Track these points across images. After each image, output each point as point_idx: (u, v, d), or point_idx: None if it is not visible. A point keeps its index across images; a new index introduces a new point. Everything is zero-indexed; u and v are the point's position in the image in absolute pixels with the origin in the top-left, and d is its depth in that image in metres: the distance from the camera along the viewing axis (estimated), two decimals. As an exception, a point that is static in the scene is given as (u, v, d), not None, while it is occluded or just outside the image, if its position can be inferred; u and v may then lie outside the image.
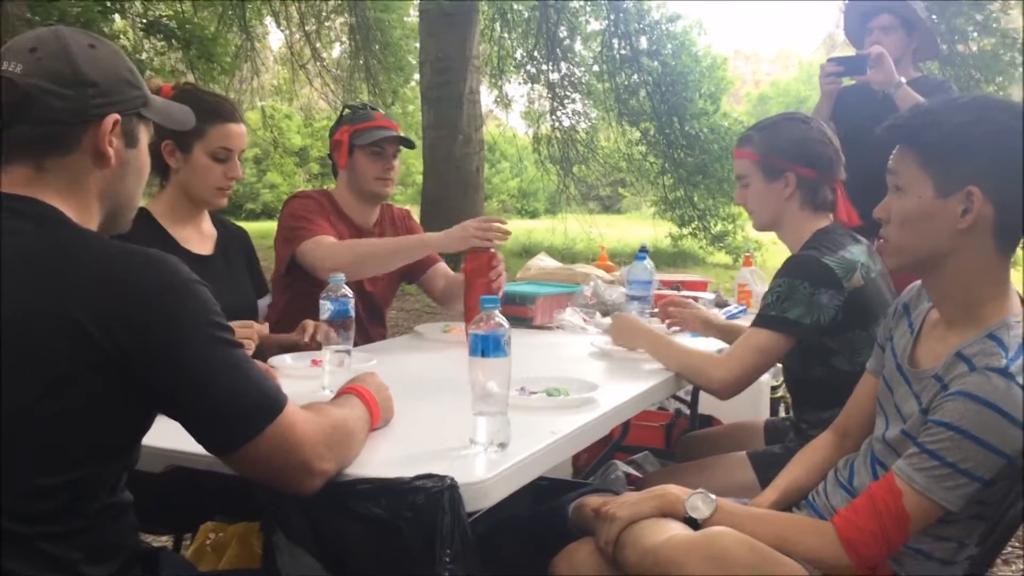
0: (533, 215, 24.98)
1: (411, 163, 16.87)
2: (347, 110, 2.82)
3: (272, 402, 1.22)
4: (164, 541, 2.53)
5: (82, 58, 1.24)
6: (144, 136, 1.35)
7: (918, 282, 1.65)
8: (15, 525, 1.11)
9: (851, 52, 3.43)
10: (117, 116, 1.26)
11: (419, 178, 15.03)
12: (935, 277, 1.52)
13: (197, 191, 2.25)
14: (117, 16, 6.15)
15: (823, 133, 2.16)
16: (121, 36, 7.49)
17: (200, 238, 2.33)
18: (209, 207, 2.34)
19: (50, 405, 1.11)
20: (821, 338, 2.03)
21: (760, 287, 3.16)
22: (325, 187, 2.88)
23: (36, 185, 1.22)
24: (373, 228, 2.82)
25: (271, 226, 2.77)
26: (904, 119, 1.52)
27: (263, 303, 2.50)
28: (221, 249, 2.36)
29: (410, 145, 2.91)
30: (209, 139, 2.21)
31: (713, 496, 1.55)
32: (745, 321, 2.49)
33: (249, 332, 2.09)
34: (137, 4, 6.65)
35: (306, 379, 1.93)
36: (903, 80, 3.02)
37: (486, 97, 14.47)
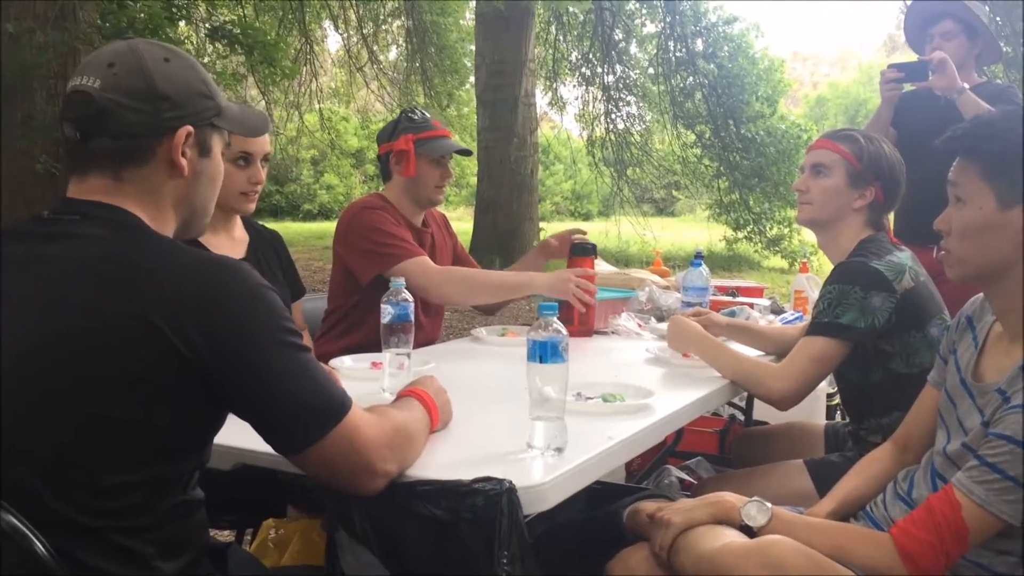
0: (586, 217, 24.94)
1: (465, 165, 16.97)
2: (406, 118, 2.84)
3: (338, 405, 1.25)
4: (225, 536, 2.60)
5: (157, 72, 1.28)
6: (217, 145, 1.39)
7: (981, 294, 1.64)
8: (90, 520, 1.16)
9: (913, 55, 3.39)
10: (190, 128, 1.30)
11: (473, 180, 15.10)
12: (997, 289, 1.51)
13: (223, 198, 2.29)
14: (182, 21, 6.30)
15: (904, 170, 2.19)
16: (185, 40, 7.67)
17: (231, 244, 2.37)
18: (237, 213, 2.37)
19: (124, 404, 1.16)
20: (877, 342, 2.03)
21: (817, 293, 3.14)
22: (380, 190, 2.93)
23: (115, 194, 1.27)
24: (424, 228, 2.88)
25: (327, 227, 2.85)
26: (964, 130, 1.51)
27: (298, 305, 2.57)
28: (252, 253, 2.40)
29: (469, 154, 3.10)
30: (229, 147, 2.13)
31: (769, 504, 1.56)
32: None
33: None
34: (201, 9, 6.80)
35: (366, 381, 1.97)
36: (966, 86, 2.98)
37: (540, 99, 14.50)
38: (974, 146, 1.48)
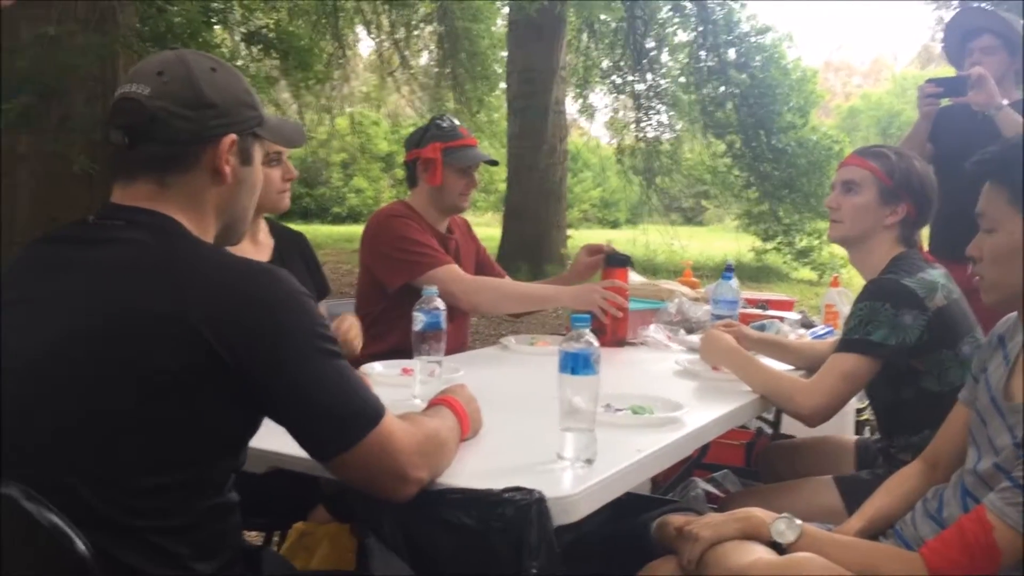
0: (614, 225, 24.93)
1: (494, 171, 17.01)
2: (435, 125, 2.85)
3: (372, 412, 1.27)
4: (254, 537, 2.62)
5: (204, 81, 1.31)
6: (258, 154, 1.42)
7: (1013, 314, 1.63)
8: (128, 519, 1.18)
9: (947, 66, 3.37)
10: (234, 136, 1.33)
11: (502, 186, 15.13)
12: None
13: (262, 198, 2.29)
14: (218, 25, 6.39)
15: (935, 185, 2.18)
16: (221, 44, 7.75)
17: (255, 248, 2.39)
18: (274, 211, 2.40)
19: (163, 406, 1.18)
20: (909, 360, 2.01)
21: (847, 308, 3.12)
22: (407, 195, 2.95)
23: (158, 200, 1.30)
24: (449, 235, 2.91)
25: (355, 230, 2.89)
26: (991, 154, 1.52)
27: (324, 306, 2.58)
28: (278, 257, 2.42)
29: (495, 164, 3.15)
30: (268, 155, 2.21)
31: (799, 521, 1.55)
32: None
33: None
34: (237, 14, 6.88)
35: (396, 387, 1.98)
36: (1005, 102, 2.95)
37: (571, 107, 14.51)
38: (1001, 170, 1.49)
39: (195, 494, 1.23)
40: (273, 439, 1.35)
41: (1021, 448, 1.41)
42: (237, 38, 8.30)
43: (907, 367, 2.03)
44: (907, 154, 2.19)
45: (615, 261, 2.83)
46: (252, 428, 1.30)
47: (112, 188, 1.34)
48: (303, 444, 1.28)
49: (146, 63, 1.35)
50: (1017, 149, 1.49)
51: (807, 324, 3.14)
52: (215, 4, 5.96)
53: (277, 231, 2.51)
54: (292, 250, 2.51)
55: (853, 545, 1.55)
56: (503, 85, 13.90)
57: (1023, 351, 1.58)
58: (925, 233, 2.63)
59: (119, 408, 1.17)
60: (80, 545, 1.11)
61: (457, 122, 2.88)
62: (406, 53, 14.62)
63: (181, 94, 1.29)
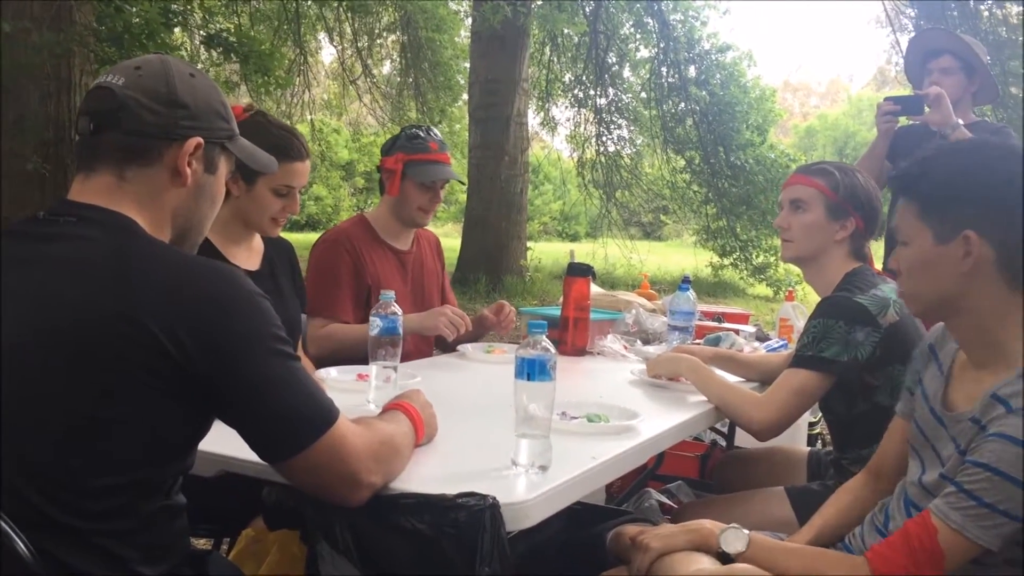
0: (574, 238, 25.01)
1: (455, 182, 16.98)
2: (404, 135, 2.82)
3: (325, 415, 1.26)
4: (202, 544, 2.58)
5: (180, 82, 1.31)
6: (224, 166, 1.41)
7: (942, 324, 1.66)
8: (73, 521, 1.16)
9: (904, 90, 3.43)
10: (200, 140, 1.33)
11: (462, 197, 15.11)
12: (955, 320, 1.54)
13: (253, 220, 2.29)
14: (178, 27, 6.31)
15: (880, 196, 2.23)
16: (180, 47, 7.66)
17: (248, 254, 2.37)
18: (261, 234, 2.38)
19: (111, 406, 1.16)
20: (862, 375, 2.05)
21: (802, 322, 3.16)
22: (365, 206, 2.92)
23: (116, 194, 1.29)
24: (410, 250, 2.88)
25: (313, 237, 2.87)
26: (901, 171, 1.56)
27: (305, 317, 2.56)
28: (268, 263, 2.40)
29: (462, 182, 3.12)
30: (275, 175, 2.15)
31: (746, 531, 1.56)
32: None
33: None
34: (197, 16, 6.81)
35: (351, 392, 1.97)
36: (960, 122, 3.01)
37: (532, 119, 14.55)
38: (910, 186, 1.53)
39: (142, 496, 1.21)
40: (223, 442, 1.34)
41: (964, 455, 1.44)
42: (197, 41, 8.22)
43: (860, 382, 2.06)
44: (849, 168, 2.22)
45: (577, 271, 2.83)
46: (203, 429, 1.28)
47: (71, 183, 1.32)
48: (254, 446, 1.26)
49: (128, 60, 1.35)
50: (926, 165, 1.53)
51: (762, 337, 3.17)
52: (174, 6, 5.89)
53: (268, 238, 2.48)
54: (281, 257, 2.49)
55: (800, 551, 1.57)
56: (465, 96, 13.90)
57: (956, 359, 1.61)
58: (878, 250, 2.67)
59: (67, 408, 1.15)
60: (22, 547, 1.09)
61: (433, 135, 2.84)
62: (368, 62, 14.55)
63: (154, 89, 1.29)
